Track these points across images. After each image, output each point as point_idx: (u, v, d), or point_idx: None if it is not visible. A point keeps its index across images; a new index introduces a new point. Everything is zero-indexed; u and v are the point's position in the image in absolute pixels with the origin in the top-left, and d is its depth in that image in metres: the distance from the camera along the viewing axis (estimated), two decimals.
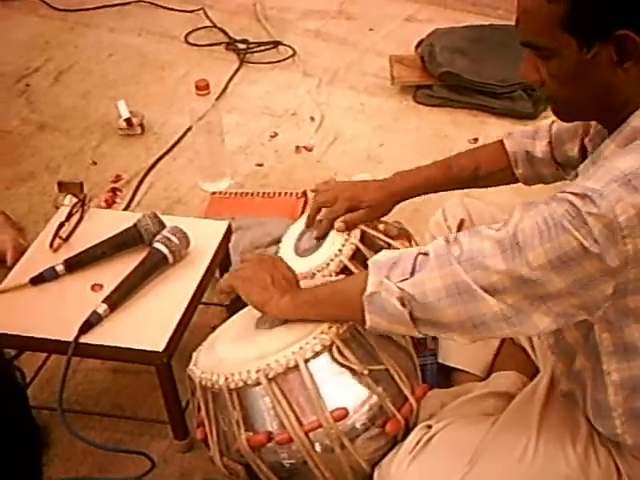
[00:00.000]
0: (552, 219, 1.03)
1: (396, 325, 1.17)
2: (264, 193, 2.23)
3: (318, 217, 1.58)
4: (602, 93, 1.11)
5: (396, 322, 1.16)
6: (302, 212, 2.12)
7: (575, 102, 1.14)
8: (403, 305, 1.14)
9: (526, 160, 1.51)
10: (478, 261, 1.08)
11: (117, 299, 1.51)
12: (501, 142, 1.55)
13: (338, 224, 1.52)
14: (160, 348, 1.44)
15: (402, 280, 1.14)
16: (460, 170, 1.57)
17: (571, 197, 1.03)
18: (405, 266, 1.15)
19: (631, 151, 1.06)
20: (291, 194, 2.20)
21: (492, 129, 2.53)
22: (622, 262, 1.02)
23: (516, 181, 1.56)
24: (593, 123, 1.27)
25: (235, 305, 1.61)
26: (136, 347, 1.45)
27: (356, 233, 1.54)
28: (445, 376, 1.64)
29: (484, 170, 1.55)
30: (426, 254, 1.15)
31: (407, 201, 1.60)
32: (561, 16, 1.06)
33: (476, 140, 2.48)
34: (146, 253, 1.59)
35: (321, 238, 1.57)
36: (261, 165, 2.44)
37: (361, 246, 1.52)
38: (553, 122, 1.48)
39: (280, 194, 2.21)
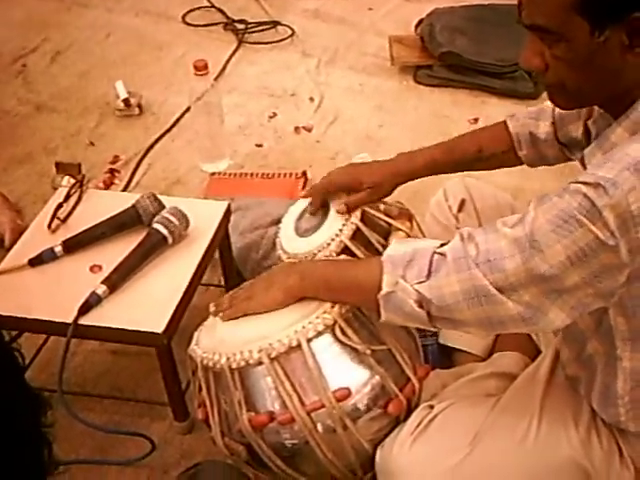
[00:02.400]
0: (567, 213, 1.03)
1: (411, 322, 1.19)
2: (263, 173, 2.21)
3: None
4: (609, 77, 1.10)
5: (412, 320, 1.17)
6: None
7: (581, 87, 1.12)
8: (421, 307, 1.14)
9: (529, 141, 1.49)
10: (496, 263, 1.08)
11: (116, 280, 1.50)
12: (504, 123, 1.53)
13: (339, 206, 1.51)
14: (160, 329, 1.43)
15: (419, 282, 1.13)
16: (463, 151, 1.55)
17: (584, 188, 1.02)
18: (421, 266, 1.14)
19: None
20: (290, 174, 2.19)
21: (493, 109, 2.51)
22: (634, 249, 1.02)
23: (520, 163, 1.54)
24: (596, 107, 1.25)
25: (235, 286, 1.60)
26: (136, 329, 1.44)
27: (357, 213, 1.52)
28: (446, 356, 1.63)
29: (487, 151, 1.54)
30: (442, 254, 1.13)
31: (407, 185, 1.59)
32: None
33: (476, 120, 2.46)
34: (145, 234, 1.57)
35: (323, 216, 1.55)
36: (260, 145, 2.42)
37: (362, 226, 1.51)
38: None
39: (279, 174, 2.19)
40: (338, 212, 1.51)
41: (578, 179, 1.04)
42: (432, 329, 1.20)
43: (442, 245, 1.16)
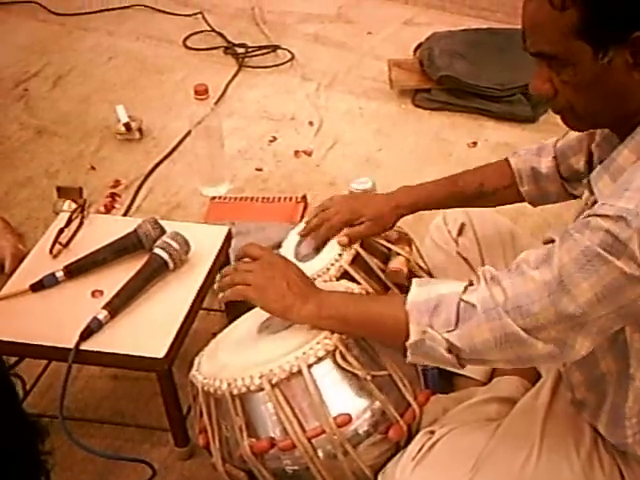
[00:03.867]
0: (590, 251, 1.03)
1: (441, 365, 1.20)
2: (263, 198, 2.23)
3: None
4: (617, 98, 1.11)
5: (441, 364, 1.19)
6: (302, 216, 2.12)
7: (590, 109, 1.13)
8: (450, 352, 1.15)
9: (531, 176, 1.50)
10: (526, 309, 1.08)
11: (117, 305, 1.51)
12: (506, 160, 1.55)
13: (341, 238, 1.51)
14: (161, 354, 1.44)
15: (448, 331, 1.14)
16: (465, 185, 1.56)
17: (605, 223, 1.02)
18: (449, 315, 1.14)
19: None
20: (290, 198, 2.20)
21: (491, 133, 2.53)
22: None
23: (521, 200, 1.54)
24: (598, 130, 1.26)
25: (236, 310, 1.60)
26: (137, 354, 1.44)
27: None
28: (447, 381, 1.63)
29: (489, 186, 1.54)
30: (469, 303, 1.13)
31: None
32: (575, 24, 1.05)
33: (475, 144, 2.48)
34: (146, 259, 1.58)
35: (319, 248, 1.56)
36: (260, 170, 2.44)
37: (361, 251, 1.52)
38: (558, 139, 1.48)
39: (279, 199, 2.21)
40: (340, 244, 1.51)
41: (597, 212, 1.04)
42: (460, 369, 1.21)
43: (465, 288, 1.15)
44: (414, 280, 1.23)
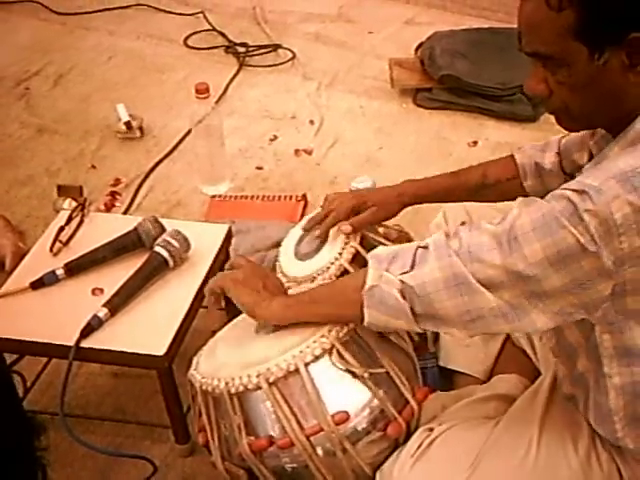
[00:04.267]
0: (549, 215, 1.04)
1: (396, 320, 1.17)
2: (264, 196, 2.23)
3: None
4: (612, 99, 1.11)
5: (396, 316, 1.16)
6: (302, 215, 2.12)
7: (585, 109, 1.13)
8: (404, 298, 1.14)
9: (535, 171, 1.51)
10: (475, 254, 1.09)
11: (118, 303, 1.51)
12: (511, 155, 1.55)
13: (344, 226, 1.52)
14: (161, 352, 1.44)
15: (403, 272, 1.14)
16: (468, 177, 1.57)
17: (569, 193, 1.03)
18: (405, 259, 1.15)
19: (633, 151, 1.07)
20: (291, 197, 2.20)
21: (492, 132, 2.54)
22: (618, 260, 1.02)
23: (524, 195, 1.55)
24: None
25: (235, 309, 1.61)
26: (137, 351, 1.45)
27: (356, 236, 1.53)
28: (446, 379, 1.64)
29: (492, 177, 1.55)
30: (425, 247, 1.15)
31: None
32: (571, 25, 1.05)
33: (475, 143, 2.48)
34: (146, 257, 1.59)
35: (323, 240, 1.56)
36: (261, 168, 2.44)
37: (361, 249, 1.52)
38: (563, 136, 1.48)
39: (280, 197, 2.21)
40: (344, 232, 1.52)
41: (565, 186, 1.06)
42: (417, 329, 1.18)
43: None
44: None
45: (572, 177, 1.43)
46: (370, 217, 1.53)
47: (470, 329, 1.14)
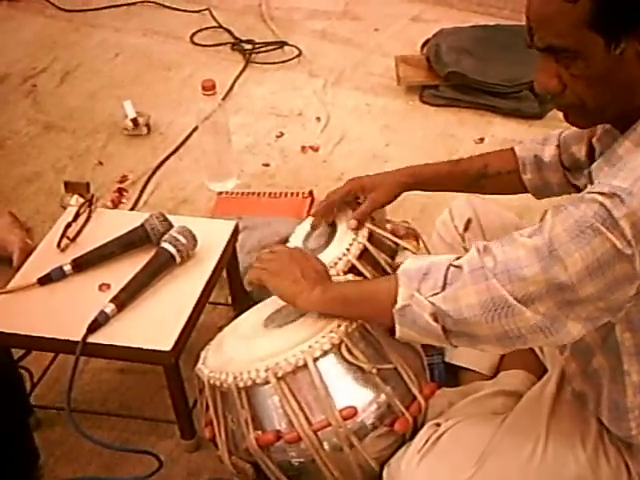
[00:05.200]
0: (584, 222, 1.03)
1: (427, 338, 1.17)
2: (270, 193, 2.23)
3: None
4: (627, 91, 1.10)
5: (428, 335, 1.16)
6: (308, 212, 2.11)
7: (601, 103, 1.12)
8: (436, 320, 1.13)
9: (534, 164, 1.51)
10: (515, 272, 1.07)
11: (125, 299, 1.51)
12: (512, 148, 1.55)
13: (350, 222, 1.52)
14: (168, 348, 1.44)
15: (434, 294, 1.13)
16: (468, 165, 1.57)
17: (600, 197, 1.02)
18: (437, 279, 1.14)
19: None
20: (297, 194, 2.20)
21: (498, 129, 2.53)
22: None
23: (523, 189, 1.55)
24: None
25: (242, 304, 1.61)
26: (144, 347, 1.45)
27: (364, 232, 1.53)
28: (453, 375, 1.63)
29: (492, 168, 1.55)
30: (458, 267, 1.13)
31: (414, 200, 1.60)
32: (586, 15, 1.04)
33: (482, 140, 2.48)
34: (154, 253, 1.59)
35: (331, 235, 1.56)
36: (267, 165, 2.44)
37: (369, 245, 1.52)
38: (563, 130, 1.47)
39: (286, 194, 2.21)
40: (350, 228, 1.52)
41: (593, 189, 1.05)
42: (449, 346, 1.18)
43: (458, 258, 1.16)
44: (409, 255, 1.24)
45: (570, 170, 1.45)
46: (371, 205, 1.53)
47: (507, 347, 1.14)
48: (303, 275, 1.30)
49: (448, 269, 1.14)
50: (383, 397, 1.26)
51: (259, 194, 2.23)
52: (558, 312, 1.07)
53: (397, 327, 1.17)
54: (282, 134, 2.57)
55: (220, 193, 2.27)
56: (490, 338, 1.12)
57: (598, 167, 1.16)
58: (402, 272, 1.18)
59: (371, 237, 1.54)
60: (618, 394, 1.21)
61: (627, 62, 1.07)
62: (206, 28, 3.17)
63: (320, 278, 1.31)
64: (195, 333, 1.55)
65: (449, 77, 2.65)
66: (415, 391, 1.30)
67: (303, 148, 2.50)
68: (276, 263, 1.34)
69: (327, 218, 1.57)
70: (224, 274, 1.76)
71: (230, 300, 1.87)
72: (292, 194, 2.21)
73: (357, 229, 1.51)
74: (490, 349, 1.17)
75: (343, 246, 1.52)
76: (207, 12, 3.26)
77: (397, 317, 1.16)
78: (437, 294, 1.13)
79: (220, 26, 3.17)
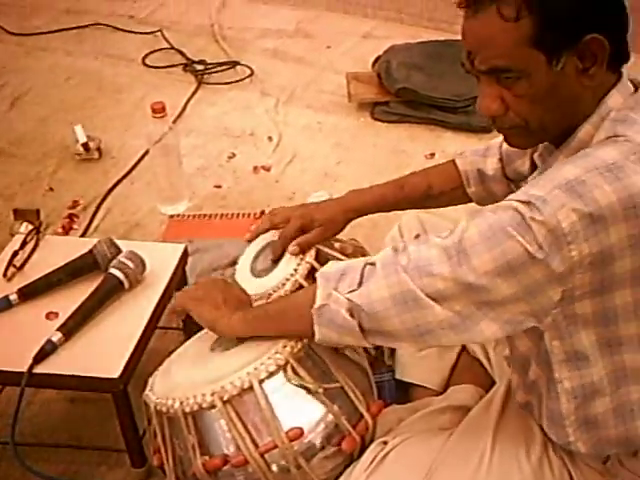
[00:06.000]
0: (497, 226, 1.05)
1: (345, 336, 1.18)
2: (222, 214, 2.23)
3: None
4: (569, 107, 1.12)
5: (345, 333, 1.17)
6: None
7: (544, 121, 1.13)
8: (352, 316, 1.15)
9: (478, 177, 1.52)
10: (425, 269, 1.09)
11: (72, 327, 1.50)
12: (453, 161, 1.56)
13: (292, 247, 1.52)
14: (116, 375, 1.43)
15: (350, 291, 1.15)
16: (413, 187, 1.58)
17: (515, 204, 1.04)
18: (353, 277, 1.16)
19: (577, 158, 1.08)
20: (249, 215, 2.21)
21: (449, 143, 2.56)
22: (568, 268, 1.04)
23: (469, 201, 1.57)
24: None
25: (192, 329, 1.60)
26: (91, 375, 1.43)
27: (311, 252, 1.54)
28: (403, 392, 1.64)
29: (436, 189, 1.57)
30: (373, 264, 1.15)
31: (364, 217, 1.60)
32: (528, 33, 1.06)
33: (432, 155, 2.51)
34: (102, 279, 1.58)
35: (277, 259, 1.57)
36: (219, 186, 2.44)
37: (316, 265, 1.52)
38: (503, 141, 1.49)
39: (238, 215, 2.22)
40: (291, 253, 1.52)
41: (512, 197, 1.07)
42: (367, 345, 1.19)
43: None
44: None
45: (514, 181, 1.47)
46: (317, 236, 1.54)
47: (419, 342, 1.15)
48: (225, 301, 1.32)
49: (364, 267, 1.16)
50: (330, 417, 1.26)
51: (211, 216, 2.24)
52: (476, 311, 1.09)
53: (316, 328, 1.18)
54: (234, 155, 2.58)
55: (172, 216, 2.27)
56: (402, 333, 1.13)
57: (533, 180, 1.18)
58: (320, 274, 1.20)
59: (318, 256, 1.54)
60: (554, 402, 1.23)
61: (567, 77, 1.09)
62: (158, 50, 3.18)
63: (242, 305, 1.33)
64: (146, 359, 1.54)
65: (400, 93, 2.67)
66: (362, 409, 1.30)
67: (255, 168, 2.50)
68: (199, 290, 1.36)
69: (277, 254, 1.57)
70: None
71: (181, 324, 1.86)
72: (244, 215, 2.21)
73: (297, 255, 1.51)
74: (405, 346, 1.18)
75: (291, 266, 1.52)
76: (159, 34, 3.28)
77: (315, 317, 1.18)
78: (354, 291, 1.15)
79: (172, 47, 3.19)
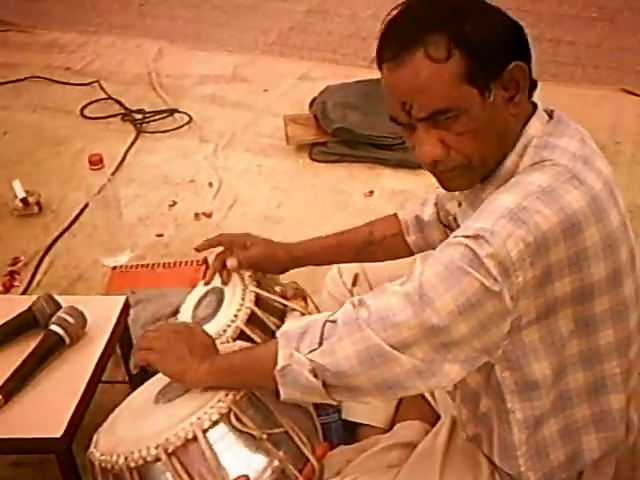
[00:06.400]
0: (452, 264, 1.07)
1: (309, 396, 1.19)
2: (165, 263, 2.23)
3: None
4: (504, 137, 1.15)
5: (309, 393, 1.18)
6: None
7: (485, 155, 1.15)
8: (315, 376, 1.15)
9: (416, 225, 1.56)
10: (388, 319, 1.10)
11: (12, 388, 1.47)
12: (395, 214, 1.60)
13: (230, 261, 1.56)
14: (58, 435, 1.41)
15: (311, 350, 1.15)
16: (355, 234, 1.61)
17: (465, 240, 1.07)
18: (314, 335, 1.15)
19: (511, 187, 1.11)
20: (191, 262, 2.21)
21: (387, 181, 2.59)
22: (514, 295, 1.07)
23: (410, 253, 1.59)
24: None
25: (139, 381, 1.59)
26: (33, 436, 1.41)
27: (251, 297, 1.55)
28: (350, 432, 1.64)
29: (378, 234, 1.59)
30: (334, 321, 1.15)
31: None
32: (461, 70, 1.09)
33: (372, 193, 2.53)
34: (42, 336, 1.56)
35: (219, 302, 1.57)
36: (161, 235, 2.44)
37: (256, 309, 1.53)
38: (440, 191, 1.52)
39: (181, 263, 2.21)
40: (230, 267, 1.56)
41: (458, 233, 1.09)
42: (332, 402, 1.19)
43: (333, 314, 1.18)
44: (289, 319, 1.26)
45: (448, 227, 1.50)
46: (259, 254, 1.57)
47: (387, 395, 1.15)
48: (190, 351, 1.30)
49: (324, 325, 1.16)
50: (276, 462, 1.26)
51: (153, 265, 2.23)
52: (435, 355, 1.10)
53: (280, 388, 1.19)
54: (175, 203, 2.58)
55: (114, 268, 2.25)
56: (369, 389, 1.14)
57: (463, 212, 1.22)
58: (281, 334, 1.20)
59: (258, 301, 1.55)
60: (506, 433, 1.25)
61: (498, 108, 1.13)
62: (96, 100, 3.18)
63: (207, 352, 1.32)
64: (92, 415, 1.52)
65: (336, 133, 2.71)
66: (307, 453, 1.30)
67: (196, 215, 2.51)
68: (162, 342, 1.33)
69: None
70: (118, 351, 1.74)
71: (127, 377, 1.85)
72: (186, 263, 2.21)
73: (234, 268, 1.55)
74: (372, 400, 1.18)
75: (231, 312, 1.53)
76: (97, 84, 3.27)
77: (279, 378, 1.18)
78: (315, 350, 1.15)
79: (110, 97, 3.19)
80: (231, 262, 1.55)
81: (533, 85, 1.19)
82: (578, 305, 1.13)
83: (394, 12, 1.17)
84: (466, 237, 1.07)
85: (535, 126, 1.17)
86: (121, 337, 1.71)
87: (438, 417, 1.53)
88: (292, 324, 1.22)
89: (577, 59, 3.32)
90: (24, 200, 2.52)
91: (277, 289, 1.65)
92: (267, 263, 1.60)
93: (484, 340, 1.09)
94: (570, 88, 3.06)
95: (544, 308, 1.11)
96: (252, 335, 1.50)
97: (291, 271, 1.64)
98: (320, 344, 1.15)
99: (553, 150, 1.14)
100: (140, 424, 1.32)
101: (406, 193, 2.43)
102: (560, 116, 1.20)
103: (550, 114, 1.20)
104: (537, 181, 1.09)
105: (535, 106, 1.20)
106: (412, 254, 1.59)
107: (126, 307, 1.72)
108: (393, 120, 1.17)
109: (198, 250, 1.67)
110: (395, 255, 1.62)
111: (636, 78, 3.14)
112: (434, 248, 1.51)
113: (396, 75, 1.12)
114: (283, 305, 1.59)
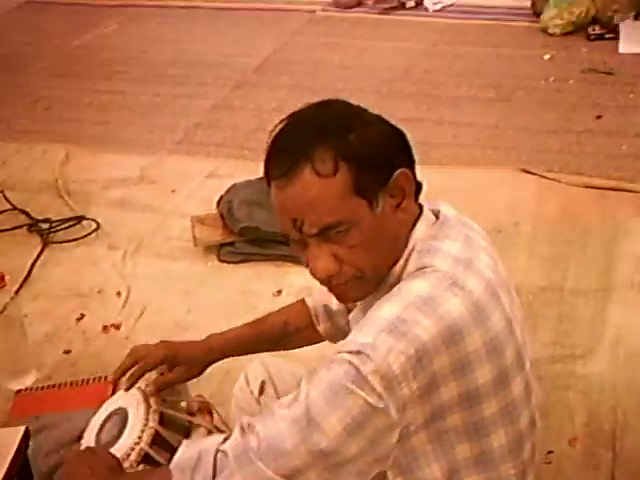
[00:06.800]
0: (336, 383, 1.07)
1: None
2: (72, 382, 2.17)
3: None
4: (394, 243, 1.17)
5: None
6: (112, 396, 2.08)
7: (377, 266, 1.17)
8: None
9: (324, 313, 1.57)
10: (278, 448, 1.09)
11: None
12: (303, 300, 1.60)
13: (148, 388, 1.52)
14: None
15: None
16: (271, 325, 1.61)
17: (348, 356, 1.07)
18: (206, 469, 1.13)
19: (392, 296, 1.13)
20: (99, 378, 2.16)
21: (294, 278, 2.60)
22: (401, 407, 1.07)
23: (322, 339, 1.60)
24: None
25: None
26: None
27: (154, 416, 1.52)
28: None
29: (292, 325, 1.60)
30: (224, 452, 1.13)
31: (216, 366, 1.61)
32: (348, 183, 1.11)
33: (280, 292, 2.54)
34: None
35: (122, 426, 1.54)
36: (69, 352, 2.38)
37: (160, 429, 1.51)
38: None
39: (88, 381, 2.16)
40: (148, 393, 1.52)
41: (342, 348, 1.09)
42: None
43: (225, 439, 1.16)
44: (184, 442, 1.24)
45: None
46: (176, 378, 1.55)
47: None
48: (93, 473, 1.27)
49: (216, 456, 1.14)
50: None
51: (60, 385, 2.17)
52: (329, 475, 1.09)
53: None
54: (83, 316, 2.53)
55: (19, 391, 2.19)
56: None
57: (354, 318, 1.23)
58: (174, 466, 1.18)
59: (162, 420, 1.53)
60: None
61: (387, 217, 1.15)
62: (1, 212, 3.11)
63: (110, 472, 1.29)
64: None
65: (243, 232, 2.71)
66: None
67: (105, 327, 2.47)
68: (68, 467, 1.31)
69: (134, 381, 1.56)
70: None
71: None
72: (95, 379, 2.16)
73: (153, 394, 1.52)
74: None
75: (135, 434, 1.50)
76: (1, 194, 3.21)
77: None
78: None
79: (15, 208, 3.12)
80: (149, 390, 1.52)
81: (419, 188, 1.22)
82: (466, 409, 1.14)
83: (279, 126, 1.19)
84: (349, 353, 1.07)
85: (420, 230, 1.20)
86: (20, 471, 1.66)
87: None
88: (185, 453, 1.19)
89: (476, 140, 3.42)
90: None
91: (183, 404, 1.63)
92: (190, 376, 1.59)
93: (376, 453, 1.10)
94: (470, 170, 3.13)
95: (431, 414, 1.13)
96: (157, 457, 1.46)
97: (201, 379, 1.62)
98: (214, 477, 1.13)
99: (435, 255, 1.16)
100: None
101: (313, 290, 2.42)
102: (446, 216, 1.23)
103: (437, 214, 1.23)
104: (417, 290, 1.11)
105: (422, 208, 1.23)
106: (324, 340, 1.60)
107: (26, 438, 1.67)
108: (285, 237, 1.19)
109: (114, 379, 1.62)
110: (308, 343, 1.64)
111: (533, 156, 3.25)
112: (345, 334, 1.55)
113: (285, 193, 1.14)
114: (188, 422, 1.57)
